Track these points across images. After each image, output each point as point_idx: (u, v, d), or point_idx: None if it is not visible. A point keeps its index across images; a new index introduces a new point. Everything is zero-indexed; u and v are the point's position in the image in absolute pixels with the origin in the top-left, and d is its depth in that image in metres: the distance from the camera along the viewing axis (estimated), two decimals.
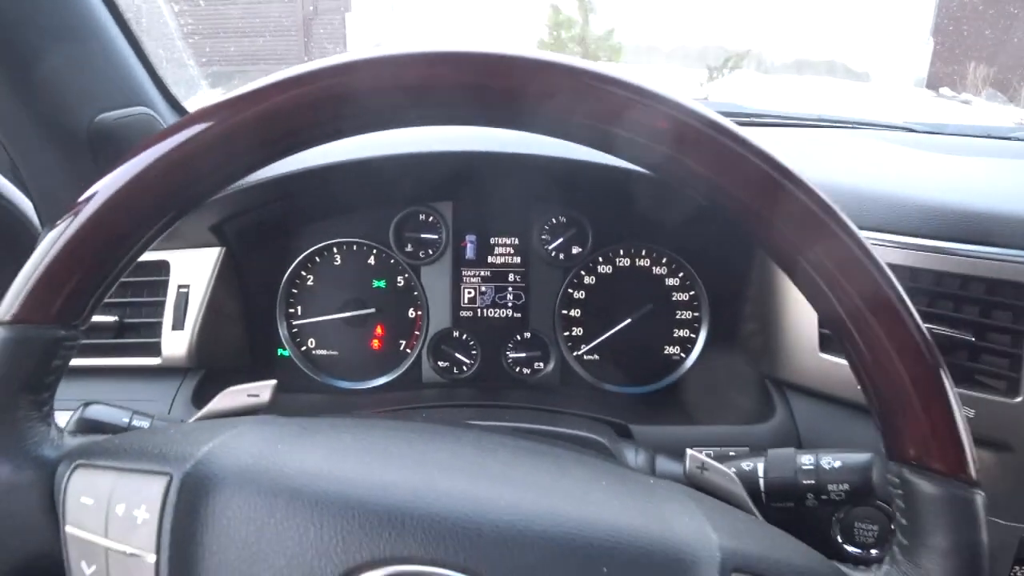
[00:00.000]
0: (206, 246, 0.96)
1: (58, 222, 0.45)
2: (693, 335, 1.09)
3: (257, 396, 0.59)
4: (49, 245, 0.45)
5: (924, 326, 0.41)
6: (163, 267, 0.95)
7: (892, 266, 0.81)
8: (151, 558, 0.41)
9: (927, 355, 0.41)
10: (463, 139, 0.93)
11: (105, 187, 0.44)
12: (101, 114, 0.93)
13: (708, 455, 0.59)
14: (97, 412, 0.65)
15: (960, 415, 0.41)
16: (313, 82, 0.43)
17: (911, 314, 0.41)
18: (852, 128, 1.28)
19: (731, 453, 0.73)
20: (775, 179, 0.42)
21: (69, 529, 0.43)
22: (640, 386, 1.10)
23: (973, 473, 0.41)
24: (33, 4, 0.82)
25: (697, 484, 0.57)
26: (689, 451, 0.59)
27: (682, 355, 1.09)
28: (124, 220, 0.45)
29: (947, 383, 0.41)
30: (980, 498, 0.41)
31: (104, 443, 0.47)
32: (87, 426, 0.64)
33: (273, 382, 0.59)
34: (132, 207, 0.45)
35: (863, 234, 0.42)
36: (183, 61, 1.17)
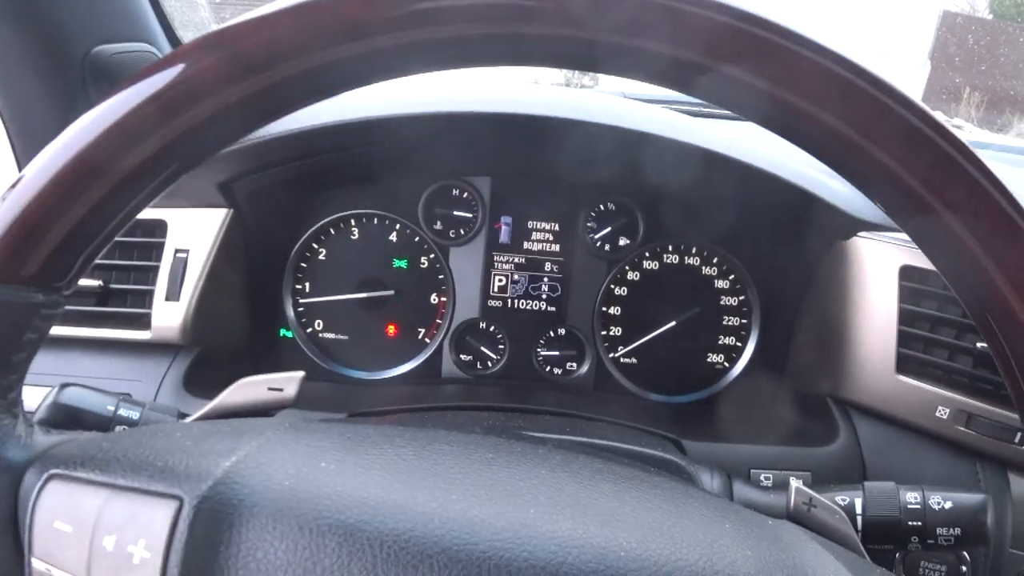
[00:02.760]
0: (211, 206, 0.84)
1: (36, 157, 0.33)
2: (740, 344, 1.01)
3: (281, 390, 0.49)
4: (26, 187, 0.33)
5: None
6: (159, 227, 0.84)
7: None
8: None
9: None
10: (511, 101, 0.83)
11: (99, 116, 0.33)
12: (99, 46, 0.83)
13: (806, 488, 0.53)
14: (75, 396, 0.54)
15: None
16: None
17: None
18: None
19: (794, 478, 0.65)
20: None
21: (36, 564, 0.33)
22: (679, 395, 1.01)
23: None
24: None
25: (803, 521, 0.51)
26: (794, 484, 0.53)
27: (727, 364, 1.01)
28: (122, 160, 0.33)
29: None
30: None
31: (88, 445, 0.36)
32: (62, 414, 0.53)
33: (300, 374, 0.49)
34: (133, 144, 0.33)
35: None
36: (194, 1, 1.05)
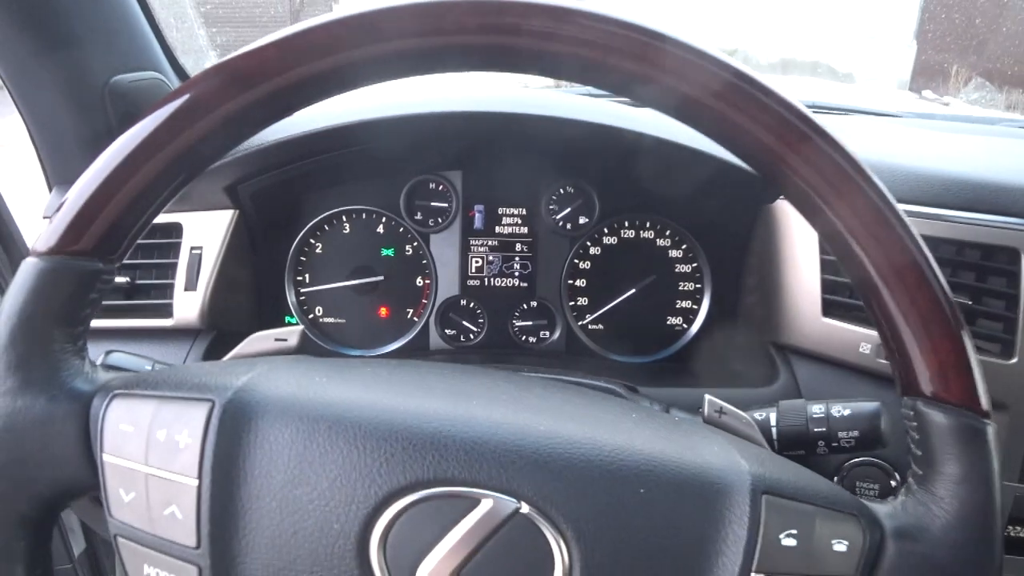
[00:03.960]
0: (219, 208, 0.96)
1: (97, 160, 0.46)
2: (696, 306, 1.11)
3: (285, 340, 0.60)
4: (86, 181, 0.45)
5: (937, 268, 0.43)
6: (176, 229, 0.96)
7: None
8: (193, 483, 0.41)
9: (940, 294, 0.42)
10: (475, 101, 0.95)
11: (143, 127, 0.45)
12: (116, 76, 0.95)
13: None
14: (120, 359, 0.65)
15: (972, 350, 0.43)
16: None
17: (926, 256, 0.43)
18: (841, 114, 1.33)
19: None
20: (805, 132, 0.43)
21: (107, 457, 0.43)
22: (645, 356, 1.11)
23: (984, 405, 0.42)
24: None
25: (714, 425, 0.58)
26: (707, 396, 0.60)
27: (685, 325, 1.11)
28: (150, 165, 0.45)
29: (960, 320, 0.43)
30: (991, 428, 0.42)
31: (142, 376, 0.47)
32: (109, 370, 0.64)
33: (300, 328, 0.60)
34: (159, 151, 0.45)
35: (879, 180, 0.43)
36: (192, 30, 1.17)
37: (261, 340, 0.60)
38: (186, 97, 0.45)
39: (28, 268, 0.45)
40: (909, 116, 1.35)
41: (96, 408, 0.45)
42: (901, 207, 0.43)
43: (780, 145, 0.43)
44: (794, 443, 0.67)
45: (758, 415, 0.69)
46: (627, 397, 0.76)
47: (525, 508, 0.40)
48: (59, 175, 1.00)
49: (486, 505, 0.40)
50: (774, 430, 0.67)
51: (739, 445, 0.48)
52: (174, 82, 1.05)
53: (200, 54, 1.21)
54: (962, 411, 0.42)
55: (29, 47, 0.86)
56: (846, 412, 0.66)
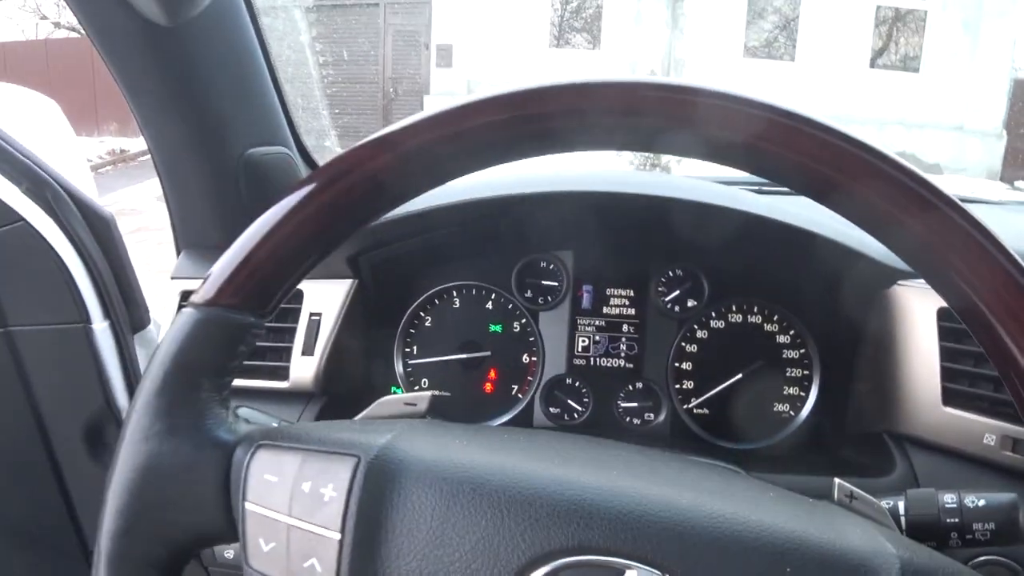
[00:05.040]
0: (339, 277, 1.00)
1: (256, 220, 0.48)
2: (804, 393, 1.09)
3: (415, 405, 0.61)
4: (247, 239, 0.48)
5: None
6: (297, 295, 0.99)
7: None
8: (336, 536, 0.41)
9: None
10: (587, 180, 0.97)
11: (301, 193, 0.48)
12: (250, 149, 1.00)
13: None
14: (250, 414, 0.67)
15: None
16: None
17: None
18: None
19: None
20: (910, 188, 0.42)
21: (249, 506, 0.44)
22: (749, 442, 1.09)
23: None
24: (217, 33, 0.89)
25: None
26: (837, 480, 0.59)
27: (792, 413, 1.09)
28: (314, 224, 0.48)
29: None
30: None
31: (286, 429, 0.49)
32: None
33: (430, 394, 0.61)
34: (322, 214, 0.48)
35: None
36: (317, 111, 1.24)
37: (391, 404, 0.61)
38: (340, 167, 0.47)
39: (185, 317, 0.47)
40: (1010, 204, 1.31)
41: (239, 457, 0.46)
42: None
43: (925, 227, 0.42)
44: (925, 534, 0.64)
45: (885, 503, 0.65)
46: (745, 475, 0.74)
47: None
48: (189, 238, 1.05)
49: (631, 575, 0.39)
50: (903, 519, 0.65)
51: (882, 529, 0.47)
52: (297, 158, 1.10)
53: (321, 134, 1.27)
54: None
55: (175, 118, 0.92)
56: (980, 503, 0.63)
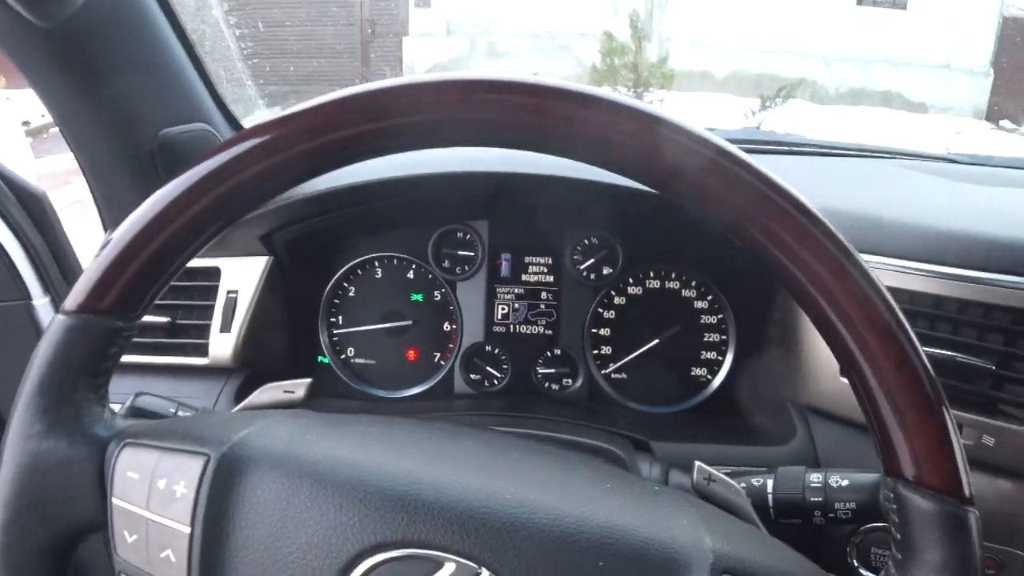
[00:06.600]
0: (255, 255, 1.01)
1: (120, 225, 0.50)
2: (720, 357, 1.11)
3: (292, 393, 0.64)
4: (113, 245, 0.49)
5: (922, 348, 0.43)
6: (214, 273, 1.01)
7: (917, 294, 0.82)
8: (186, 530, 0.44)
9: (923, 375, 0.43)
10: (499, 160, 0.98)
11: (164, 194, 0.49)
12: (165, 128, 0.99)
13: (722, 471, 0.62)
14: (146, 402, 0.70)
15: (955, 435, 0.42)
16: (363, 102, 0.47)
17: (909, 337, 0.43)
18: (894, 158, 1.30)
19: (739, 470, 0.74)
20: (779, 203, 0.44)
21: (115, 501, 0.47)
22: (666, 406, 1.12)
23: (967, 491, 0.42)
24: (111, 24, 0.88)
25: (703, 495, 0.59)
26: (697, 463, 0.61)
27: (708, 376, 1.11)
28: (179, 225, 0.49)
29: (943, 403, 0.43)
30: (973, 516, 0.42)
31: (151, 425, 0.51)
32: (137, 413, 0.68)
33: (308, 381, 0.63)
34: (187, 214, 0.49)
35: (862, 257, 0.44)
36: (242, 81, 1.23)
37: (271, 391, 0.64)
38: (208, 163, 0.49)
39: (57, 325, 0.49)
40: (966, 161, 1.31)
41: (110, 453, 0.49)
42: (884, 284, 0.44)
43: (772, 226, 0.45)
44: (790, 512, 0.67)
45: (756, 481, 0.69)
46: (624, 460, 0.78)
47: (485, 574, 0.42)
48: (114, 221, 1.06)
49: (448, 568, 0.42)
50: (770, 497, 0.67)
51: (711, 520, 0.49)
52: (223, 133, 1.10)
53: (249, 103, 1.27)
54: (943, 497, 0.42)
55: (84, 107, 0.91)
56: (844, 482, 0.65)
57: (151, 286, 0.51)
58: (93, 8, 0.83)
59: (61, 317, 0.50)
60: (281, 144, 0.48)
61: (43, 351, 0.49)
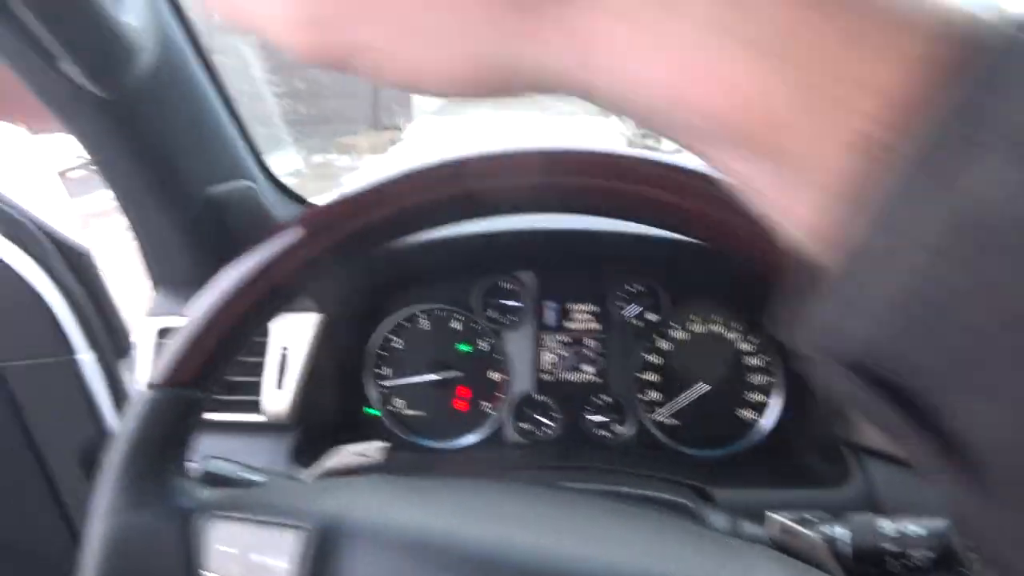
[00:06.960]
0: (305, 311, 1.03)
1: (200, 300, 0.52)
2: (768, 398, 1.11)
3: (365, 456, 0.64)
4: (194, 321, 0.52)
5: None
6: (265, 330, 1.02)
7: None
8: None
9: None
10: (544, 216, 0.99)
11: (241, 270, 0.51)
12: (210, 186, 1.03)
13: (787, 518, 0.62)
14: (216, 466, 0.71)
15: None
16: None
17: None
18: None
19: (806, 517, 0.73)
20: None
21: (206, 575, 0.48)
22: (716, 448, 1.11)
23: None
24: (167, 88, 0.91)
25: (781, 548, 0.59)
26: (767, 513, 0.62)
27: (757, 417, 1.11)
28: (254, 300, 0.51)
29: None
30: None
31: (235, 496, 0.53)
32: (211, 479, 0.70)
33: (384, 444, 0.64)
34: (261, 287, 0.51)
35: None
36: (269, 120, 1.25)
37: (344, 456, 0.64)
38: (274, 245, 0.51)
39: (142, 399, 0.51)
40: None
41: (197, 525, 0.50)
42: None
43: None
44: (868, 561, 0.65)
45: (825, 528, 0.67)
46: (693, 511, 0.77)
47: None
48: (161, 276, 1.08)
49: None
50: (849, 548, 0.65)
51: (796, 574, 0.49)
52: (264, 188, 1.12)
53: (277, 141, 1.28)
54: None
55: (135, 170, 0.93)
56: (922, 532, 0.64)
57: (227, 358, 0.53)
58: (155, 77, 0.85)
59: (145, 392, 0.51)
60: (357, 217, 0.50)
61: (128, 424, 0.51)
